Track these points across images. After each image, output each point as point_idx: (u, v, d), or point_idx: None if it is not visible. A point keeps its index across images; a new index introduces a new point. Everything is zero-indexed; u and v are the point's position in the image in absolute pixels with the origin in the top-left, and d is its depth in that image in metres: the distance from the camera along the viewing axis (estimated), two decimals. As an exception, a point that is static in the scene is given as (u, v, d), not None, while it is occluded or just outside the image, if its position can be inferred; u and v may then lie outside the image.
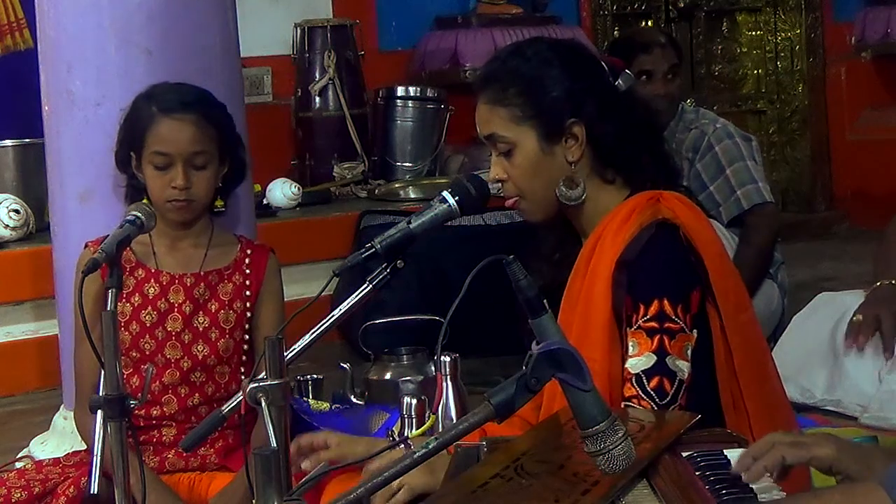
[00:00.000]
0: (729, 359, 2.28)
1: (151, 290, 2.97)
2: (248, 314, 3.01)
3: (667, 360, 2.18)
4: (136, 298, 2.96)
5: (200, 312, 2.98)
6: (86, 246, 3.01)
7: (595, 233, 2.32)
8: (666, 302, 2.20)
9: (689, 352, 2.20)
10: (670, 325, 2.20)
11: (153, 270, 2.98)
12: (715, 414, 2.23)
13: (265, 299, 3.03)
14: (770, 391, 2.37)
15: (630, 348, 2.21)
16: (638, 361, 2.19)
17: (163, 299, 2.97)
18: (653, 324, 2.20)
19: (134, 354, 2.95)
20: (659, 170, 2.38)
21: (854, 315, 3.73)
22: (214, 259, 3.02)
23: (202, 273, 2.99)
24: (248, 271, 3.02)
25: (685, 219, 2.27)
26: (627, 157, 2.34)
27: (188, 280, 2.98)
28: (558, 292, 2.36)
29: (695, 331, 2.22)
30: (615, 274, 2.23)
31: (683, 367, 2.19)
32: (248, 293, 3.01)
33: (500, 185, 2.38)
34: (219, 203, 3.02)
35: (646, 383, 2.17)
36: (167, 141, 2.89)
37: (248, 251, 3.05)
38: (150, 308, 2.96)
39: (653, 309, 2.21)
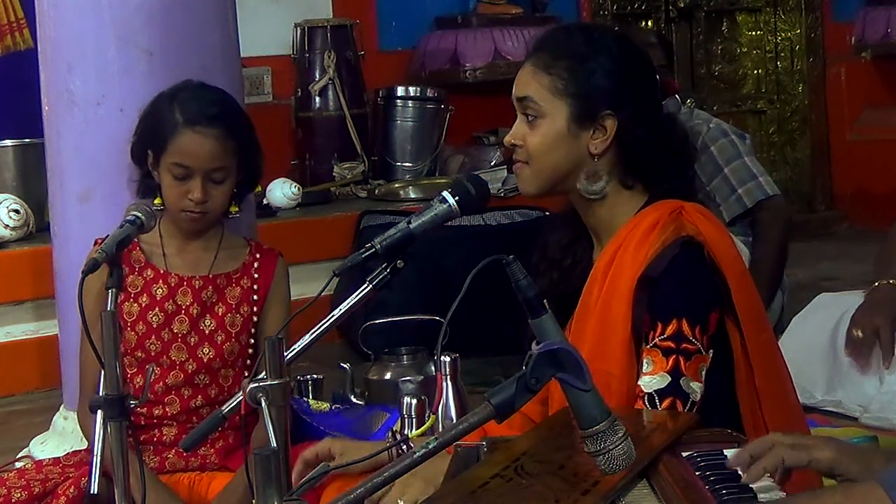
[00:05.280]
0: (750, 377, 2.26)
1: (160, 291, 2.97)
2: (255, 318, 3.00)
3: (681, 381, 2.17)
4: (144, 299, 2.96)
5: (207, 315, 2.97)
6: (95, 243, 3.00)
7: (614, 241, 2.29)
8: (685, 322, 2.19)
9: (703, 373, 2.19)
10: (687, 346, 2.18)
11: (162, 271, 2.98)
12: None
13: (272, 304, 3.02)
14: (790, 408, 2.36)
15: (644, 365, 2.20)
16: (652, 380, 2.18)
17: (170, 301, 2.96)
18: (669, 343, 2.19)
19: (139, 355, 2.95)
20: (681, 184, 2.36)
21: (852, 326, 3.72)
22: (223, 262, 3.01)
23: (211, 276, 2.99)
24: (256, 276, 3.02)
25: (708, 235, 2.25)
26: (653, 167, 2.32)
27: (196, 282, 2.98)
28: (567, 297, 2.35)
29: (710, 351, 2.21)
30: (636, 292, 2.21)
31: (697, 388, 2.18)
32: (255, 297, 3.00)
33: (512, 147, 2.36)
34: (233, 209, 3.00)
35: (658, 403, 2.16)
36: (189, 154, 2.86)
37: (258, 255, 3.04)
38: (157, 309, 2.96)
39: (671, 328, 2.19)
